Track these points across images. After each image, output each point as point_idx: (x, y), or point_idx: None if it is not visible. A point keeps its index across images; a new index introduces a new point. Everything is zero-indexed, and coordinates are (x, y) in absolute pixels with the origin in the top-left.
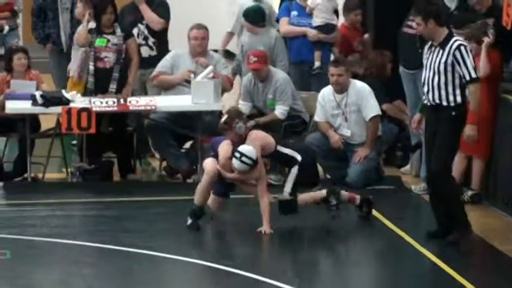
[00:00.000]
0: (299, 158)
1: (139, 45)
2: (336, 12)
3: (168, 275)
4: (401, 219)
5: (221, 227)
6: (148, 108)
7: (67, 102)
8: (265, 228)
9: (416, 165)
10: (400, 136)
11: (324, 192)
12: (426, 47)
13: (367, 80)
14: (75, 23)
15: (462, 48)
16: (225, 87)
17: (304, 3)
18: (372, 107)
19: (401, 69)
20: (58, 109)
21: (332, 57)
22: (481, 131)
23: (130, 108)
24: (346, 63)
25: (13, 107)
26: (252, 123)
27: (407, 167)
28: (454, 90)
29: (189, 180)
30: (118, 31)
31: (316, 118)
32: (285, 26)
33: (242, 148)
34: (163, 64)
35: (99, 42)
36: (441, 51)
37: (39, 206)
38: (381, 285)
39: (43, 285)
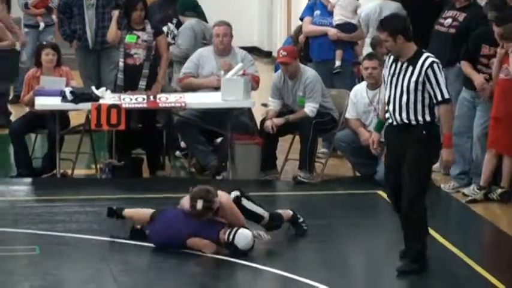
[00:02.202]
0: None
1: (169, 44)
2: (356, 11)
3: (196, 271)
4: (431, 217)
5: None
6: (178, 105)
7: (97, 98)
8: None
9: None
10: None
11: (289, 211)
12: (388, 63)
13: None
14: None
15: (435, 66)
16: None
17: (327, 2)
18: None
19: None
20: (88, 105)
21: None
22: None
23: (160, 105)
24: (380, 57)
25: (42, 103)
26: (281, 120)
27: (437, 165)
28: (423, 109)
29: (218, 177)
30: (148, 28)
31: (347, 115)
32: (307, 26)
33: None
34: (188, 65)
35: (129, 38)
36: (411, 69)
37: (68, 202)
38: (410, 281)
39: (72, 281)
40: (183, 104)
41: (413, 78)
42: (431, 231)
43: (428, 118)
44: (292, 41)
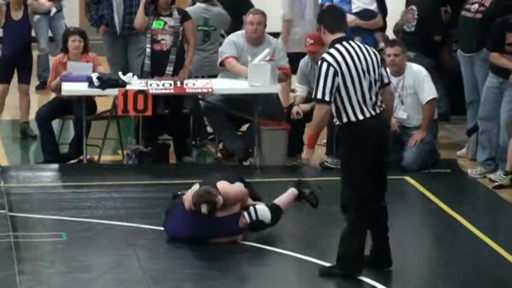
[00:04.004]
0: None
1: None
2: None
3: (222, 257)
4: (457, 202)
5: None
6: (205, 90)
7: (123, 84)
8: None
9: (473, 149)
10: None
11: (293, 189)
12: None
13: None
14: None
15: (320, 62)
16: (280, 77)
17: None
18: (429, 91)
19: (459, 52)
20: (114, 91)
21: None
22: None
23: (187, 90)
24: (402, 43)
25: (69, 88)
26: (308, 106)
27: (464, 150)
28: (336, 109)
29: (244, 163)
30: (175, 13)
31: None
32: None
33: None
34: (228, 49)
35: (156, 24)
36: None
37: (95, 188)
38: (436, 267)
39: (98, 266)
40: (210, 90)
41: None
42: (457, 216)
43: (344, 118)
44: None
